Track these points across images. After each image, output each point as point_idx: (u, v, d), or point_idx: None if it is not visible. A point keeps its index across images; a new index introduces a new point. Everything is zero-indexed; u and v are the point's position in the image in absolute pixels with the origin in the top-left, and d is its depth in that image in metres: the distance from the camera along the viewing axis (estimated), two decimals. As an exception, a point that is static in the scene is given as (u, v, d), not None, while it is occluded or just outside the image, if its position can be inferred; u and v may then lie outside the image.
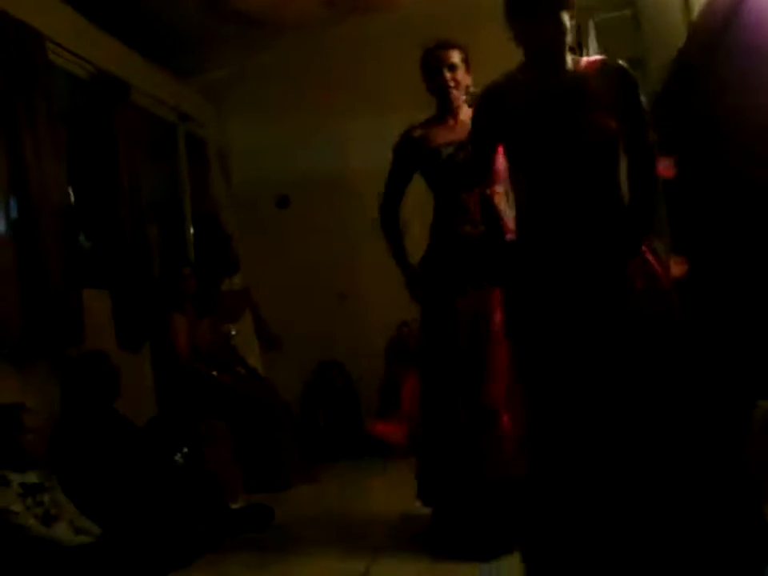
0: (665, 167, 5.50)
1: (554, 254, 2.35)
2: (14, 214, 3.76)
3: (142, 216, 4.80)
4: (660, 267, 2.40)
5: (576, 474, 2.23)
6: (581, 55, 2.51)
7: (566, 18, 2.35)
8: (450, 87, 3.20)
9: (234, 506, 3.97)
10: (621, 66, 2.44)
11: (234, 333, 5.09)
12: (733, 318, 4.39)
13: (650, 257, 2.40)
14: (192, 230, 5.98)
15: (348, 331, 6.08)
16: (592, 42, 5.82)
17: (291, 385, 5.99)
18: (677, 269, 5.26)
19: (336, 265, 6.14)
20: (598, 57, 2.49)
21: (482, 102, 2.54)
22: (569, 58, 2.43)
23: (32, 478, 3.17)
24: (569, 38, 2.40)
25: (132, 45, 5.06)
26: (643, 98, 2.45)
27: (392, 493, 4.14)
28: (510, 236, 2.51)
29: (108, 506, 3.40)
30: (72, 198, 4.27)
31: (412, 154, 3.27)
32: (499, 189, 3.12)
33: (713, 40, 4.03)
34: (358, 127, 5.99)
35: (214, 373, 4.70)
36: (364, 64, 6.00)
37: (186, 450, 4.05)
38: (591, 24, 5.76)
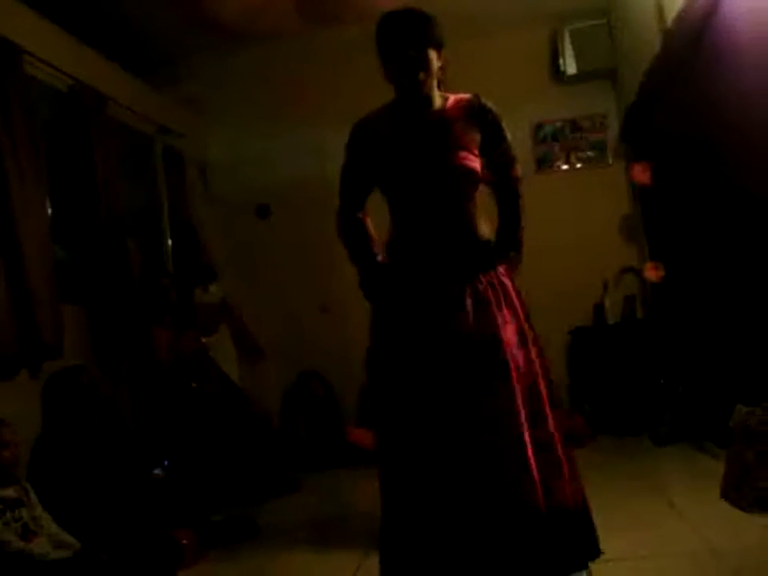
0: (640, 173, 5.58)
1: (409, 279, 2.47)
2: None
3: (121, 228, 4.78)
4: (516, 294, 2.51)
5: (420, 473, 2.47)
6: (445, 90, 2.55)
7: (433, 56, 2.40)
8: None
9: (216, 518, 3.95)
10: (484, 105, 2.51)
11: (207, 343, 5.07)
12: (707, 321, 4.43)
13: (507, 281, 2.51)
14: (170, 242, 5.95)
15: (328, 341, 6.08)
16: (568, 50, 5.88)
17: (272, 395, 5.98)
18: (653, 273, 5.33)
19: (317, 275, 6.14)
20: (464, 95, 2.54)
21: (353, 136, 2.60)
22: (436, 96, 2.49)
23: (10, 493, 3.14)
24: (435, 76, 2.46)
25: (110, 56, 5.05)
26: (508, 135, 2.52)
27: (375, 500, 4.13)
28: (380, 258, 2.57)
29: (87, 520, 3.38)
30: (50, 211, 4.24)
31: None
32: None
33: (688, 46, 4.09)
34: (337, 137, 5.97)
35: (194, 384, 4.68)
36: (343, 73, 6.02)
37: (166, 462, 4.03)
38: (566, 33, 5.83)
